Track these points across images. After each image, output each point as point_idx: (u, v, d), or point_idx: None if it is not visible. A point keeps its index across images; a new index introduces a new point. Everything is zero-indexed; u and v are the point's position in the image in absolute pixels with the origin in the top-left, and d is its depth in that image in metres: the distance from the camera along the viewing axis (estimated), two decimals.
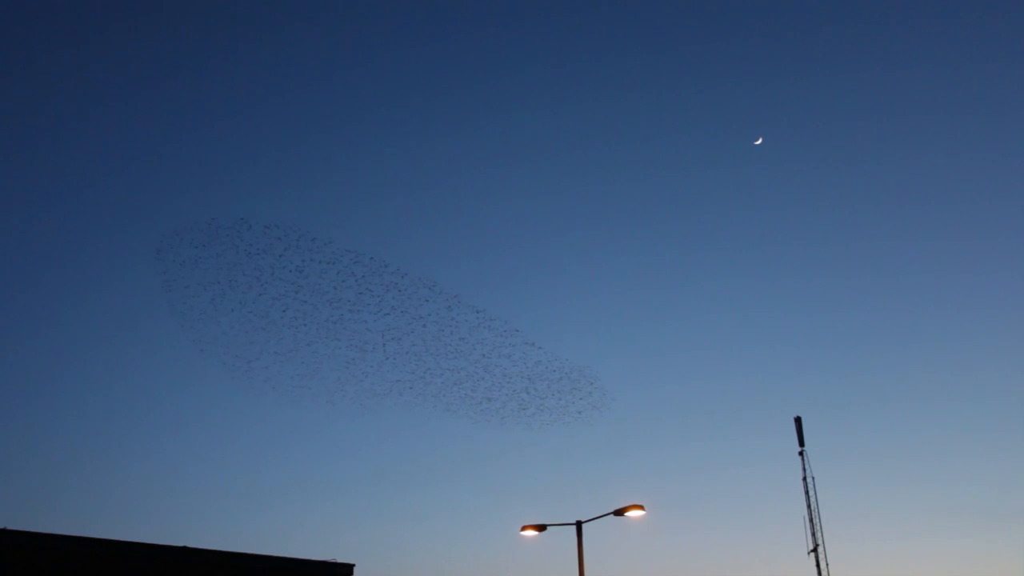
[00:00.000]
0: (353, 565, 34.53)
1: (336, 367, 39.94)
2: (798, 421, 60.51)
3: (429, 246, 79.70)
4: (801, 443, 60.16)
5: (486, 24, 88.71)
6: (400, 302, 39.05)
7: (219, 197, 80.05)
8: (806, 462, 59.72)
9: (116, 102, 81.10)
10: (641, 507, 25.07)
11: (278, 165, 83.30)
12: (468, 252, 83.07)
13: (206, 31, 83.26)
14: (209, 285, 37.56)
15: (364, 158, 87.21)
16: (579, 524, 25.85)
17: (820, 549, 57.05)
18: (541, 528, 26.40)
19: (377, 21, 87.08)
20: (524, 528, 26.52)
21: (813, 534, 57.54)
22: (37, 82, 77.28)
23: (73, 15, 79.37)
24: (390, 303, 38.91)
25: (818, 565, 56.73)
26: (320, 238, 38.50)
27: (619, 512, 25.17)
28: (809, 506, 58.53)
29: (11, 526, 26.61)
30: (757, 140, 76.48)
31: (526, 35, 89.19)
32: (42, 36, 75.95)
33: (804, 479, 59.40)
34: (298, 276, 37.93)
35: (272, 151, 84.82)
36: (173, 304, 37.85)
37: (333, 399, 41.43)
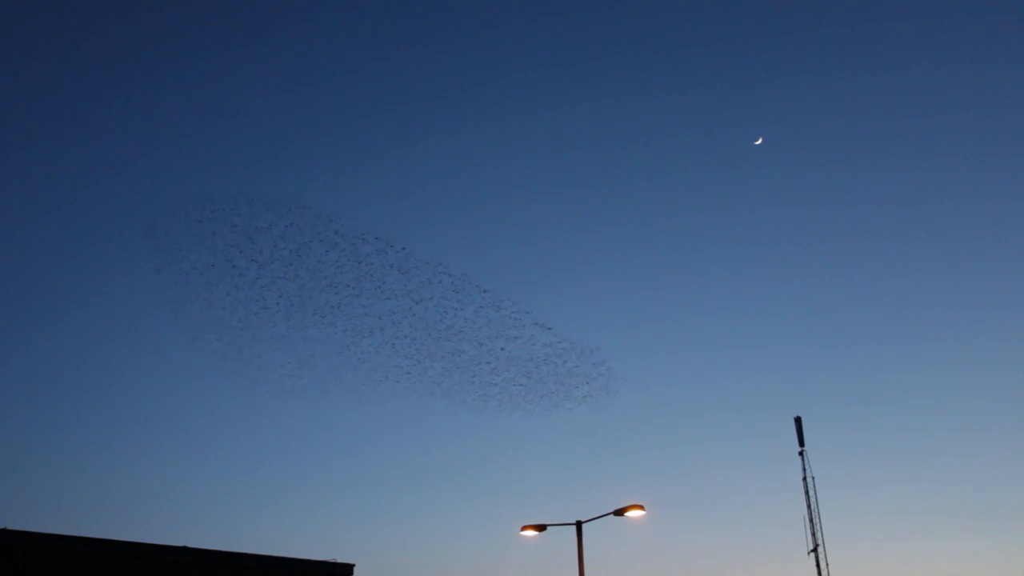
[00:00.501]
0: (353, 565, 34.53)
1: (330, 353, 38.51)
2: (798, 421, 60.52)
3: (438, 226, 79.12)
4: (801, 443, 60.17)
5: (495, 25, 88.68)
6: (403, 284, 37.50)
7: (218, 171, 79.29)
8: (806, 462, 59.77)
9: (112, 77, 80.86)
10: (641, 507, 25.05)
11: (282, 141, 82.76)
12: (477, 233, 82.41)
13: (208, 11, 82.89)
14: (205, 269, 36.20)
15: (372, 137, 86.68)
16: (579, 524, 25.84)
17: (820, 549, 57.06)
18: (541, 528, 26.39)
19: (388, 11, 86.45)
20: (524, 528, 26.50)
21: (813, 534, 57.57)
22: (27, 57, 77.27)
23: None
24: (391, 286, 37.26)
25: (818, 565, 56.76)
26: (325, 214, 37.09)
27: (619, 512, 25.15)
28: (809, 506, 58.57)
29: (11, 526, 26.64)
30: (757, 140, 76.47)
31: (530, 36, 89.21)
32: (39, 11, 75.60)
33: (804, 479, 59.44)
34: (296, 258, 36.49)
35: (276, 127, 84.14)
36: (165, 288, 36.48)
37: (328, 388, 40.24)
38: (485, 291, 39.10)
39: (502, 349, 39.55)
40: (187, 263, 36.35)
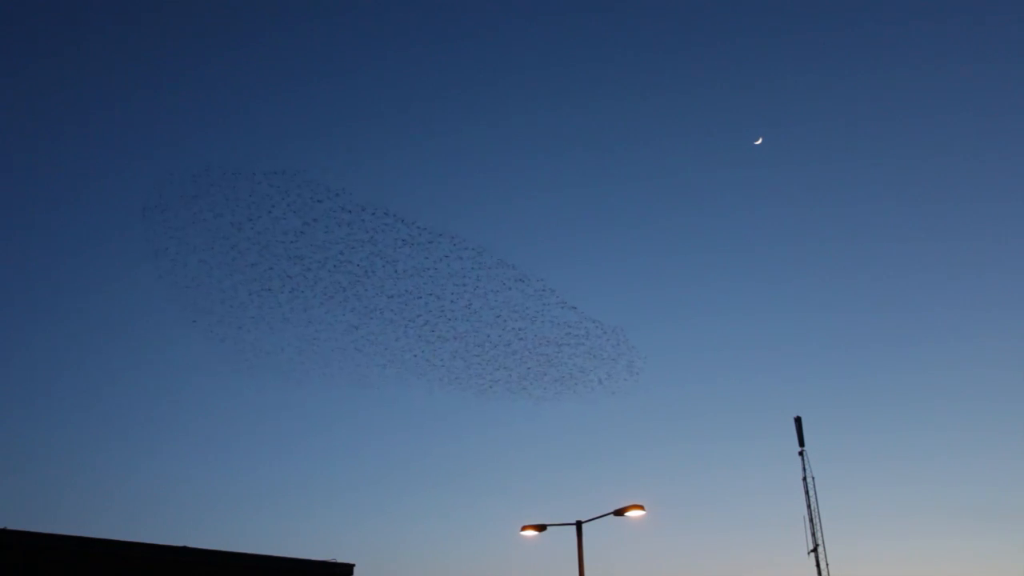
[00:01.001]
0: (353, 565, 34.55)
1: (335, 335, 36.69)
2: (798, 421, 60.53)
3: (456, 201, 77.44)
4: (801, 443, 60.17)
5: (497, 24, 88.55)
6: (417, 261, 35.49)
7: (214, 143, 77.72)
8: (806, 462, 59.77)
9: (107, 62, 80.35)
10: (641, 507, 25.05)
11: (281, 109, 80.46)
12: (500, 208, 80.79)
13: None
14: (203, 250, 34.42)
15: (379, 102, 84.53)
16: (579, 524, 25.85)
17: (820, 549, 57.07)
18: (541, 528, 26.39)
19: None
20: (524, 528, 26.51)
21: (813, 534, 57.58)
22: (25, 41, 77.20)
23: None
24: (403, 264, 35.27)
25: (818, 565, 56.77)
26: (333, 188, 34.85)
27: (619, 512, 25.16)
28: (809, 506, 58.57)
29: (11, 526, 26.65)
30: (757, 140, 76.37)
31: (533, 36, 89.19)
32: None
33: (804, 479, 59.43)
34: (298, 237, 34.54)
35: (275, 94, 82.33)
36: (162, 274, 34.31)
37: (331, 372, 38.42)
38: (511, 266, 36.91)
39: (520, 330, 37.30)
40: (185, 245, 34.44)
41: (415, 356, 37.98)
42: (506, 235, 77.20)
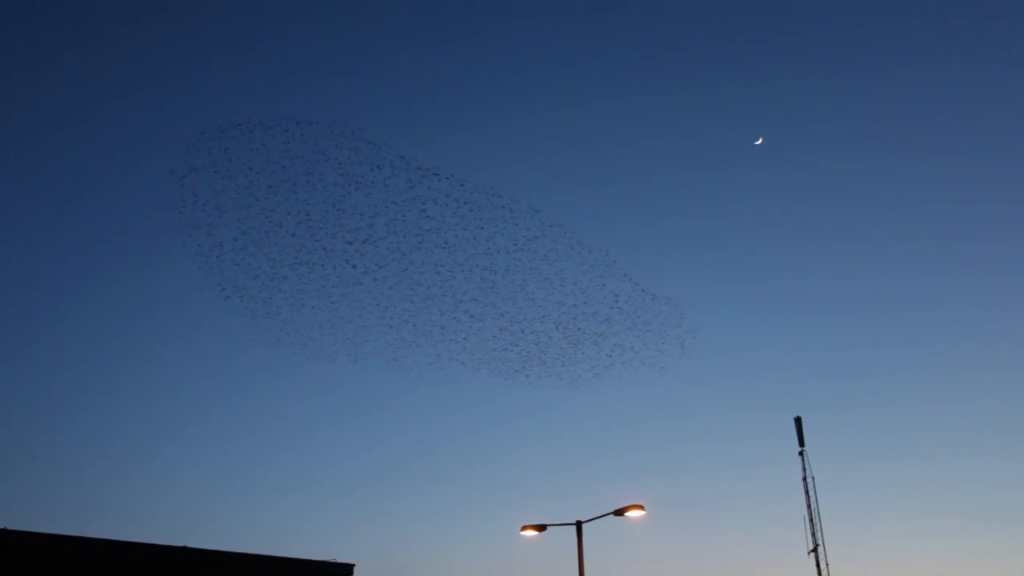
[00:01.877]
0: (353, 565, 34.58)
1: (364, 312, 34.56)
2: (798, 421, 60.51)
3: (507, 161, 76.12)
4: (801, 443, 60.14)
5: (496, 22, 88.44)
6: (470, 232, 33.01)
7: (248, 97, 75.55)
8: (806, 462, 59.74)
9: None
10: (641, 507, 25.04)
11: (313, 57, 78.80)
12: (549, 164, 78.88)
13: None
14: (239, 221, 32.14)
15: (419, 51, 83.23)
16: (579, 524, 25.84)
17: (820, 549, 57.05)
18: (541, 528, 26.38)
19: None
20: (524, 528, 26.50)
21: (813, 534, 57.55)
22: None
23: None
24: (453, 233, 32.86)
25: (818, 565, 56.75)
26: (376, 141, 31.99)
27: (619, 512, 25.14)
28: (809, 506, 58.54)
29: (11, 526, 26.66)
30: (757, 140, 76.30)
31: (532, 36, 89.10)
32: None
33: (804, 479, 59.41)
34: (339, 202, 32.14)
35: (304, 42, 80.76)
36: (198, 247, 31.57)
37: (356, 354, 35.76)
38: (575, 238, 34.69)
39: (572, 304, 35.24)
40: (221, 216, 31.95)
41: (443, 330, 35.83)
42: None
